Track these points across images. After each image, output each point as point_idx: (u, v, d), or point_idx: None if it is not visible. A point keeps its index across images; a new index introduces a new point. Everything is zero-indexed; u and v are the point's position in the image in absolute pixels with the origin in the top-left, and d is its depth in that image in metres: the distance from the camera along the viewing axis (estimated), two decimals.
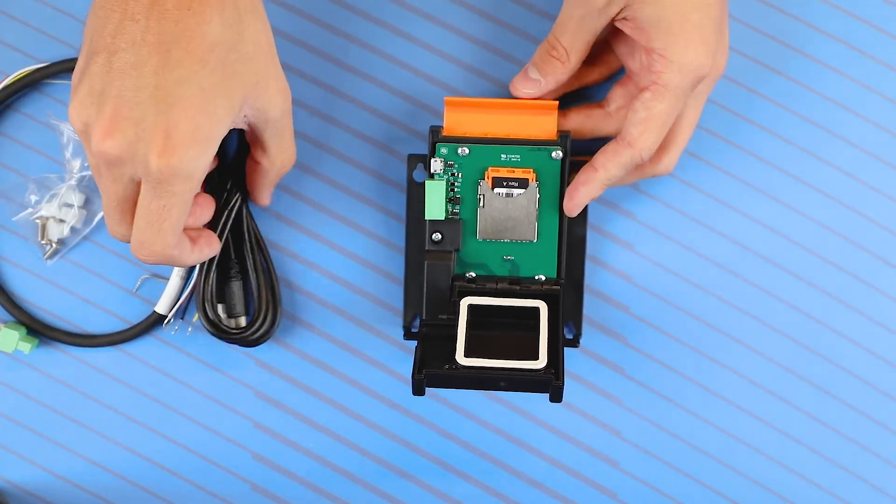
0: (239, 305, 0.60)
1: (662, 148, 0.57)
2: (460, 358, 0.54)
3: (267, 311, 0.60)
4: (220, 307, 0.60)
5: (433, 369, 0.54)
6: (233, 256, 0.60)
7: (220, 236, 0.57)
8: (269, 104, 0.52)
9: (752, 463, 0.62)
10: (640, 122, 0.54)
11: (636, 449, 0.62)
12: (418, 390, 0.54)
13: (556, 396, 0.53)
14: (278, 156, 0.56)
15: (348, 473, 0.63)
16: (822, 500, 0.62)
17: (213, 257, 0.58)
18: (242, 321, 0.61)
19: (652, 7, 0.52)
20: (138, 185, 0.50)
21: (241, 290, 0.60)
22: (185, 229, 0.53)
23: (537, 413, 0.62)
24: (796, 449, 0.62)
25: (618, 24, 0.54)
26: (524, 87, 0.57)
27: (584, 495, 0.62)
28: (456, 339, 0.55)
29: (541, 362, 0.54)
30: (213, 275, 0.59)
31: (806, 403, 0.62)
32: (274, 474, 0.63)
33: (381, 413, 0.62)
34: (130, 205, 0.51)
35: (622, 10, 0.53)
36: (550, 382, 0.53)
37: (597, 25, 0.54)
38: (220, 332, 0.59)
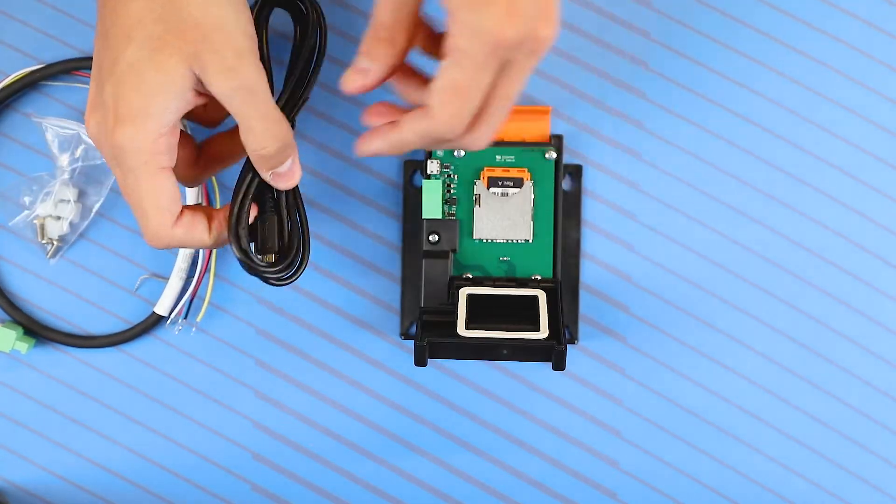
0: (271, 241, 0.56)
1: (472, 120, 0.50)
2: (461, 330, 0.54)
3: (299, 249, 0.57)
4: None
5: (436, 337, 0.54)
6: (268, 193, 0.56)
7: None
8: (212, 79, 0.49)
9: (751, 463, 0.62)
10: (439, 91, 0.48)
11: (636, 449, 0.62)
12: (420, 359, 0.54)
13: (560, 363, 0.54)
14: (245, 135, 0.51)
15: (348, 473, 0.63)
16: (822, 500, 0.62)
17: (251, 187, 0.55)
18: (272, 258, 0.57)
19: None
20: None
21: (274, 226, 0.56)
22: (199, 209, 0.53)
23: (537, 413, 0.62)
24: (796, 449, 0.62)
25: None
26: (354, 79, 0.50)
27: (584, 495, 0.62)
28: (456, 322, 0.55)
29: (542, 333, 0.54)
30: (248, 204, 0.55)
31: (806, 403, 0.62)
32: (274, 474, 0.63)
33: (382, 413, 0.62)
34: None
35: None
36: (553, 348, 0.53)
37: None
38: (250, 262, 0.55)
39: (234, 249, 0.54)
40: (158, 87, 0.49)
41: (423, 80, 0.52)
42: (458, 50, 0.47)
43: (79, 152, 0.61)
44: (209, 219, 0.53)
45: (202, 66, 0.49)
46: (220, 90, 0.49)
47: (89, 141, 0.61)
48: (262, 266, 0.55)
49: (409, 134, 0.50)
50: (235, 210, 0.54)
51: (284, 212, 0.56)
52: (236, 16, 0.49)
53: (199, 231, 0.52)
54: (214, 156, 0.55)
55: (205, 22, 0.49)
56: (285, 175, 0.53)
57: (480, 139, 0.50)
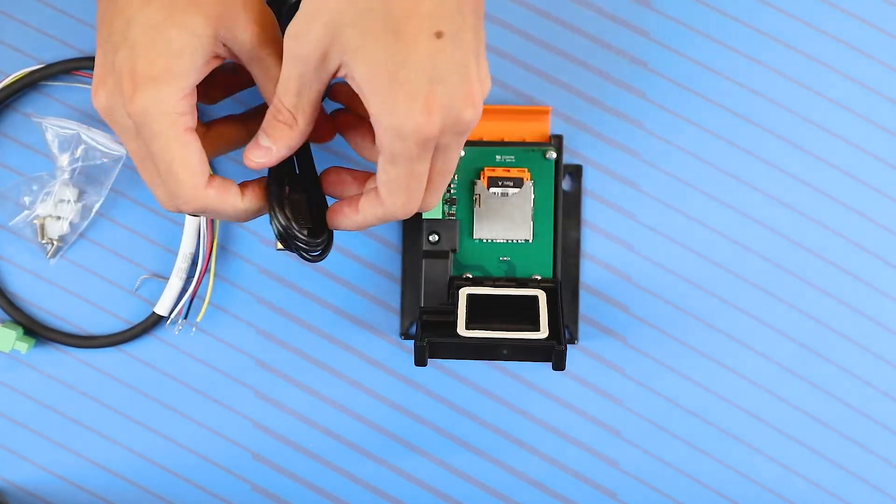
0: (304, 216, 0.55)
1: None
2: (461, 330, 0.54)
3: (325, 226, 0.55)
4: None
5: (436, 337, 0.54)
6: (297, 171, 0.56)
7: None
8: (241, 32, 0.49)
9: (752, 463, 0.62)
10: (384, 184, 0.50)
11: (636, 449, 0.62)
12: (420, 359, 0.54)
13: (560, 363, 0.54)
14: (270, 84, 0.51)
15: (348, 473, 0.63)
16: (822, 500, 0.62)
17: (288, 167, 0.54)
18: (304, 233, 0.55)
19: (364, 67, 0.46)
20: None
21: (304, 202, 0.55)
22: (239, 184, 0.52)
23: (537, 413, 0.62)
24: (796, 449, 0.62)
25: (347, 82, 0.49)
26: (255, 155, 0.51)
27: (584, 495, 0.62)
28: (456, 322, 0.55)
29: (542, 333, 0.54)
30: (284, 176, 0.54)
31: (806, 403, 0.62)
32: (274, 474, 0.63)
33: (382, 413, 0.62)
34: (146, 162, 0.51)
35: (339, 67, 0.48)
36: (553, 348, 0.53)
37: (318, 85, 0.49)
38: (288, 237, 0.54)
39: (278, 218, 0.53)
40: (183, 46, 0.48)
41: (370, 129, 0.52)
42: (389, 151, 0.48)
43: (79, 152, 0.61)
44: (241, 187, 0.53)
45: (230, 24, 0.49)
46: (250, 46, 0.50)
47: (89, 141, 0.61)
48: (302, 238, 0.54)
49: (369, 218, 0.52)
50: (274, 188, 0.53)
51: (310, 190, 0.55)
52: None
53: (231, 195, 0.52)
54: (222, 137, 0.55)
55: None
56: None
57: (430, 205, 0.52)
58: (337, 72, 0.48)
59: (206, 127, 0.54)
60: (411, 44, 0.46)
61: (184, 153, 0.49)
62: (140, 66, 0.48)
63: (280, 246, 0.55)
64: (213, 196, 0.51)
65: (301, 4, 0.47)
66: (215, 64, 0.50)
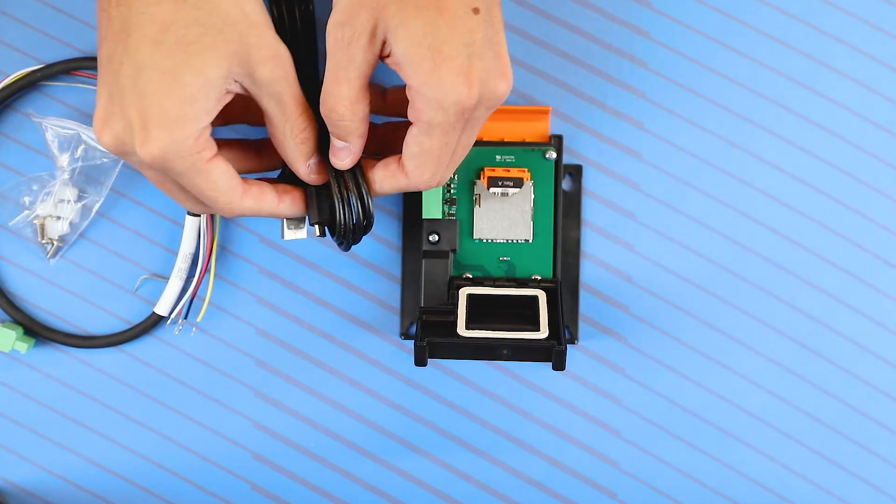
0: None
1: None
2: (461, 330, 0.54)
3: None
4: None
5: (436, 337, 0.54)
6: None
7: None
8: (255, 69, 0.50)
9: (752, 463, 0.62)
10: (414, 156, 0.51)
11: (636, 449, 0.62)
12: (420, 359, 0.54)
13: (560, 363, 0.54)
14: (285, 123, 0.52)
15: (348, 473, 0.63)
16: (822, 500, 0.62)
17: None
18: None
19: (406, 41, 0.48)
20: None
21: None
22: (269, 183, 0.54)
23: (537, 413, 0.62)
24: (796, 449, 0.62)
25: (384, 62, 0.51)
26: (340, 158, 0.53)
27: (584, 495, 0.62)
28: (456, 322, 0.55)
29: (542, 333, 0.54)
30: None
31: (806, 403, 0.62)
32: (274, 474, 0.63)
33: (382, 413, 0.62)
34: (175, 185, 0.52)
35: (382, 47, 0.49)
36: (553, 348, 0.53)
37: (362, 68, 0.50)
38: (356, 228, 0.55)
39: (352, 211, 0.54)
40: (197, 90, 0.48)
41: (381, 92, 0.56)
42: (426, 121, 0.50)
43: (79, 152, 0.61)
44: (277, 191, 0.54)
45: (244, 61, 0.49)
46: (267, 75, 0.50)
47: (89, 141, 0.61)
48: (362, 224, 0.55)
49: (389, 189, 0.53)
50: (313, 195, 0.54)
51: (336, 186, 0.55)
52: (261, 8, 0.50)
53: (267, 201, 0.53)
54: (235, 160, 0.55)
55: (242, 19, 0.49)
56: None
57: (445, 178, 0.54)
58: (380, 54, 0.50)
59: (224, 144, 0.55)
60: (451, 19, 0.48)
61: (210, 181, 0.50)
62: (153, 114, 0.48)
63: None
64: (251, 205, 0.52)
65: None
66: (227, 100, 0.50)
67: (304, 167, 0.53)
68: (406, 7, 0.48)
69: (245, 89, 0.50)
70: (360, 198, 0.54)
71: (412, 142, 0.51)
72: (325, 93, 0.51)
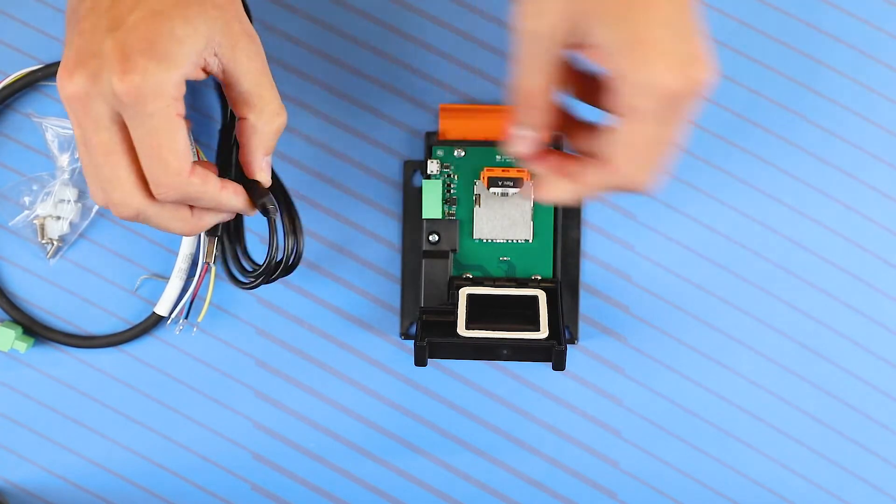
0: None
1: None
2: (461, 330, 0.54)
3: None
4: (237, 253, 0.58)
5: (436, 337, 0.54)
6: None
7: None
8: (240, 48, 0.50)
9: (752, 463, 0.62)
10: (623, 147, 0.49)
11: (636, 449, 0.62)
12: (420, 359, 0.54)
13: (560, 363, 0.54)
14: (264, 108, 0.52)
15: (348, 473, 0.63)
16: (822, 500, 0.62)
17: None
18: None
19: (610, 28, 0.47)
20: (123, 126, 0.49)
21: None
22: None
23: (537, 413, 0.62)
24: (796, 449, 0.62)
25: (580, 52, 0.50)
26: (520, 146, 0.52)
27: (584, 495, 0.62)
28: (456, 322, 0.55)
29: (542, 333, 0.54)
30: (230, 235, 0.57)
31: (806, 403, 0.62)
32: (274, 474, 0.63)
33: (382, 413, 0.62)
34: (123, 151, 0.49)
35: (577, 38, 0.48)
36: (553, 348, 0.53)
37: (559, 59, 0.50)
38: (276, 268, 0.56)
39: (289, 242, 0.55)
40: (185, 36, 0.48)
41: (593, 128, 0.52)
42: (635, 108, 0.48)
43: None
44: (221, 180, 0.52)
45: (229, 35, 0.49)
46: (251, 56, 0.50)
47: None
48: (252, 273, 0.57)
49: (591, 188, 0.51)
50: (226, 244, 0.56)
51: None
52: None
53: (212, 182, 0.51)
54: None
55: (223, 2, 0.49)
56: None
57: (653, 181, 0.51)
58: (574, 45, 0.48)
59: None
60: (655, 4, 0.47)
61: (175, 137, 0.48)
62: (138, 46, 0.47)
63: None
64: (197, 183, 0.50)
65: None
66: (200, 75, 0.50)
67: (263, 161, 0.53)
68: None
69: (223, 69, 0.50)
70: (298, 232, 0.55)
71: (621, 131, 0.49)
72: (518, 80, 0.50)
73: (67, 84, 0.48)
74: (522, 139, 0.51)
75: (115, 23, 0.47)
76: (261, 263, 0.56)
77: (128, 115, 0.48)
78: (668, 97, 0.47)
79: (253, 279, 0.56)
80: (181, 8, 0.48)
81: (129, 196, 0.50)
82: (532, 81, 0.50)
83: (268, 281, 0.56)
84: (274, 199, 0.53)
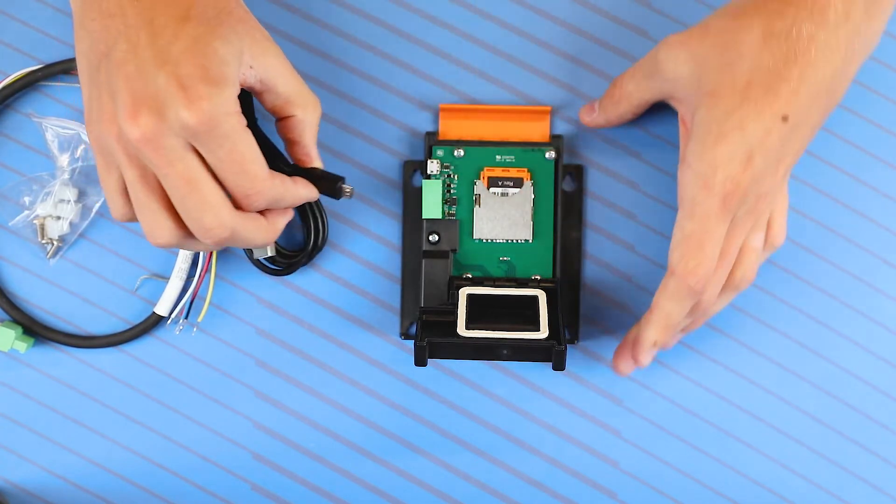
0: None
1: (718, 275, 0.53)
2: (461, 330, 0.54)
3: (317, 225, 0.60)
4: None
5: (436, 337, 0.54)
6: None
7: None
8: (269, 54, 0.52)
9: (752, 463, 0.62)
10: (678, 244, 0.50)
11: (636, 449, 0.62)
12: (420, 359, 0.54)
13: (560, 363, 0.54)
14: (307, 103, 0.54)
15: (348, 473, 0.63)
16: (822, 500, 0.62)
17: None
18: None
19: (705, 110, 0.48)
20: (196, 153, 0.49)
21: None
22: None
23: (537, 413, 0.62)
24: (796, 449, 0.62)
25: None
26: (586, 115, 0.59)
27: (584, 495, 0.62)
28: (456, 322, 0.55)
29: (542, 333, 0.54)
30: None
31: (806, 403, 0.62)
32: (274, 474, 0.63)
33: (382, 413, 0.62)
34: (205, 175, 0.50)
35: (684, 98, 0.50)
36: (553, 348, 0.53)
37: (651, 95, 0.54)
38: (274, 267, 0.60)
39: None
40: (227, 55, 0.49)
41: None
42: (687, 199, 0.48)
43: (79, 152, 0.61)
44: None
45: (257, 44, 0.51)
46: (273, 58, 0.52)
47: (89, 141, 0.61)
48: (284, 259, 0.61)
49: (666, 304, 0.52)
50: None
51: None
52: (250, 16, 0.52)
53: (287, 181, 0.53)
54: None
55: (245, 12, 0.51)
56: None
57: (712, 289, 0.52)
58: (679, 97, 0.51)
59: None
60: (756, 113, 0.47)
61: (252, 148, 0.50)
62: (194, 74, 0.48)
63: (264, 254, 0.59)
64: (279, 184, 0.52)
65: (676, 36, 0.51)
66: (241, 85, 0.51)
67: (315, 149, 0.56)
68: (722, 81, 0.48)
69: (260, 79, 0.52)
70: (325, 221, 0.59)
71: (676, 227, 0.49)
72: (632, 72, 0.55)
73: (133, 129, 0.48)
74: (595, 114, 0.58)
75: (162, 58, 0.48)
76: (287, 248, 0.60)
77: (201, 140, 0.49)
78: (724, 194, 0.49)
79: (291, 263, 0.60)
80: (215, 28, 0.49)
81: (221, 215, 0.50)
82: (629, 85, 0.57)
83: (308, 261, 0.60)
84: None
